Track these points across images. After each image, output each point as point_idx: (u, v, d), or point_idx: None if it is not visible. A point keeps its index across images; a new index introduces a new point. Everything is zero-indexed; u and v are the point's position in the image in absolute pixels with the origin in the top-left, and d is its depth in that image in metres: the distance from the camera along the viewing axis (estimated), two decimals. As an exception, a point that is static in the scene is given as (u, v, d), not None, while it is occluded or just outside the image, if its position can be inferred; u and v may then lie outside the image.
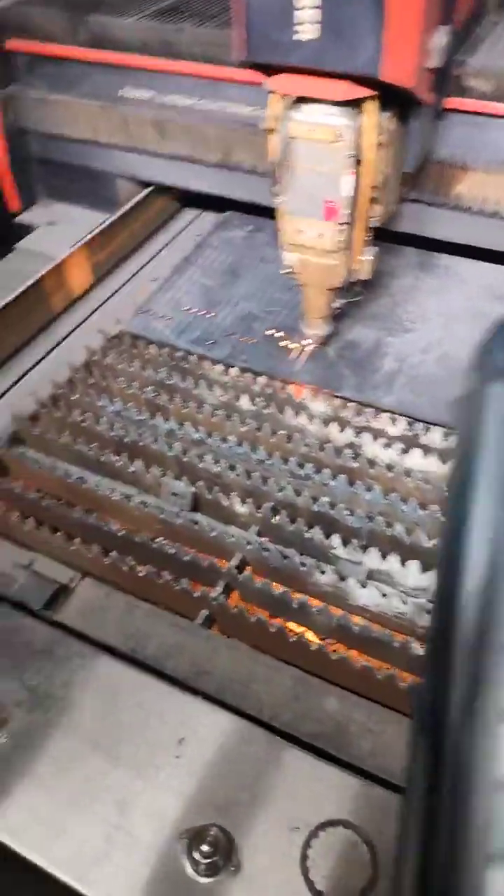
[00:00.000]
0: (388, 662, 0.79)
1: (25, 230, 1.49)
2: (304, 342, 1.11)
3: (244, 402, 1.06)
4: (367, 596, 0.83)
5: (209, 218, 1.50)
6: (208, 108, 1.30)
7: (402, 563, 0.85)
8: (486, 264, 1.26)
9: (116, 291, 1.32)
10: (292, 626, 0.84)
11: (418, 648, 0.78)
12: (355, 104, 0.84)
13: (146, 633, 0.81)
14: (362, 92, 0.82)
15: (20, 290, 1.18)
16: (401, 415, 1.01)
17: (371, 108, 0.84)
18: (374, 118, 0.85)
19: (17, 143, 1.48)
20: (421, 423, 1.00)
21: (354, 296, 1.08)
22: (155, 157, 1.39)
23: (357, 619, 0.81)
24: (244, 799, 0.66)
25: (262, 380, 1.08)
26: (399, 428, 1.01)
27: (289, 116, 0.86)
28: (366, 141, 0.87)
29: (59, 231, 1.47)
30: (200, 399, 1.08)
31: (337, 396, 1.05)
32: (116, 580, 0.88)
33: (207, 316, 1.20)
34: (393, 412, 1.02)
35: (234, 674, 0.77)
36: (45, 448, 1.03)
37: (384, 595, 0.83)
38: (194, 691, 0.74)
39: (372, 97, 0.83)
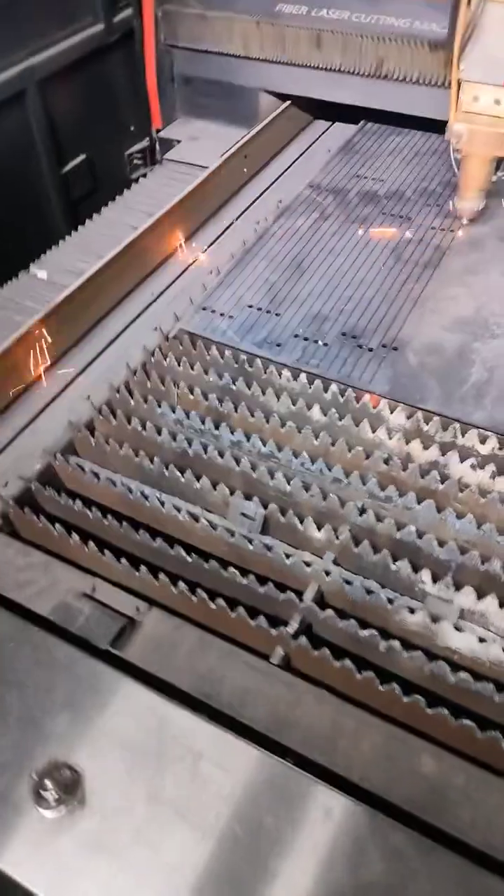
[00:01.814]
0: (488, 718, 0.72)
1: (168, 145, 1.60)
2: (457, 221, 1.22)
3: (316, 413, 0.98)
4: (461, 640, 0.76)
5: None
6: (362, 21, 1.37)
7: (501, 604, 0.77)
8: None
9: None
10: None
11: (522, 705, 0.70)
12: None
13: (220, 674, 0.74)
14: None
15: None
16: (492, 432, 0.92)
17: None
18: None
19: (164, 61, 1.56)
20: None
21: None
22: (307, 69, 1.45)
23: (452, 668, 0.74)
24: None
25: (334, 388, 1.00)
26: (489, 447, 0.92)
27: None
28: None
29: (200, 145, 1.56)
30: (268, 408, 1.00)
31: (419, 409, 0.96)
32: (186, 612, 0.81)
33: (273, 315, 1.11)
34: (483, 429, 0.93)
35: (319, 727, 0.70)
36: (103, 460, 0.96)
37: (481, 640, 0.75)
38: (279, 748, 0.67)
39: None
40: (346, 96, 1.48)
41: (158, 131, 1.64)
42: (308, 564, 0.83)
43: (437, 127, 1.28)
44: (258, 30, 1.46)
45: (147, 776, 0.64)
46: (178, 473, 0.92)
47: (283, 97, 1.56)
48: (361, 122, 1.56)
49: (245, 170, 1.45)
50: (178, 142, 1.57)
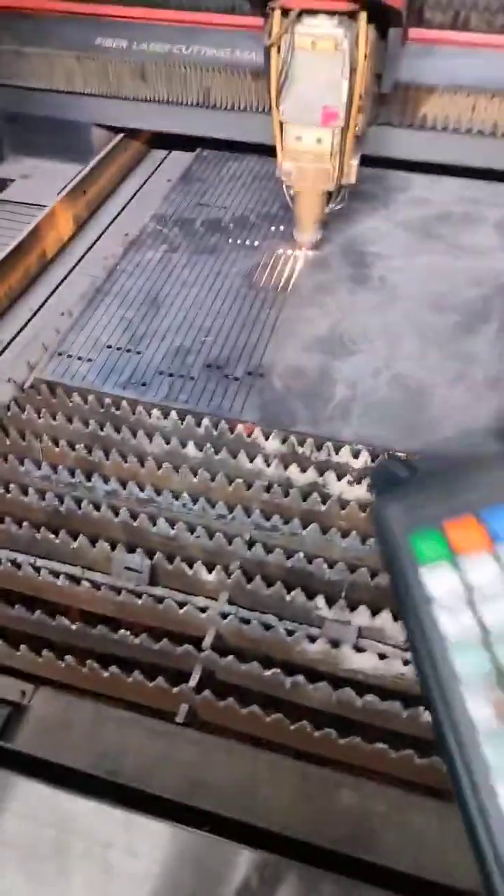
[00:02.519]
0: (403, 733, 0.72)
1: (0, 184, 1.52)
2: (299, 251, 1.26)
3: (191, 450, 0.95)
4: (363, 660, 0.76)
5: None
6: (184, 52, 1.39)
7: (395, 617, 0.78)
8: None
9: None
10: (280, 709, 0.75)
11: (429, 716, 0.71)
12: (351, 16, 0.98)
13: (122, 747, 0.69)
14: (356, 4, 0.96)
15: None
16: (363, 445, 0.94)
17: (363, 20, 0.98)
18: (365, 29, 0.98)
19: None
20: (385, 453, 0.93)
21: (339, 202, 1.20)
22: (135, 102, 1.46)
23: (360, 690, 0.73)
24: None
25: (206, 422, 0.98)
26: (362, 460, 0.93)
27: (294, 31, 0.98)
28: (360, 50, 1.00)
29: (35, 182, 1.50)
30: (141, 451, 0.96)
31: (292, 432, 0.96)
32: (80, 684, 0.75)
33: (135, 353, 1.08)
34: (354, 443, 0.95)
35: (233, 782, 0.67)
36: (-35, 531, 0.88)
37: (382, 657, 0.76)
38: (195, 815, 0.63)
39: (364, 9, 0.97)
40: (177, 126, 1.49)
41: None
42: (203, 610, 0.80)
43: (269, 151, 1.30)
44: (80, 65, 1.45)
45: (52, 882, 0.58)
46: (52, 535, 0.86)
47: (115, 129, 1.54)
48: (198, 150, 1.57)
49: (84, 207, 1.41)
50: (12, 181, 1.50)
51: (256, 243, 1.29)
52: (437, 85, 1.32)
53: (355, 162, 1.15)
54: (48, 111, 1.50)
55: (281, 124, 1.08)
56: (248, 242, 1.29)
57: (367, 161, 1.25)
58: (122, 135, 1.54)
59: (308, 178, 1.13)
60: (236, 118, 1.44)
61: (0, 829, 0.60)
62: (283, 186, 1.17)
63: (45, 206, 1.33)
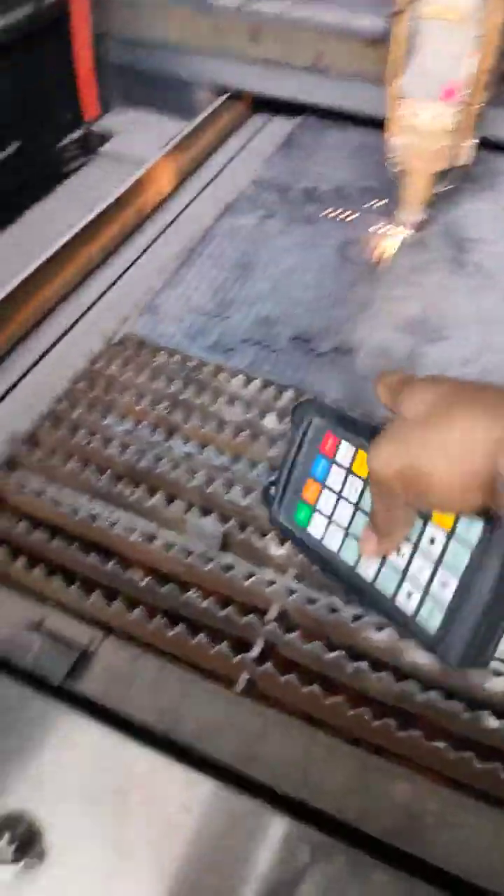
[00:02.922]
0: (459, 736, 0.71)
1: (103, 137, 1.52)
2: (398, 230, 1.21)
3: (270, 421, 0.94)
4: (427, 656, 0.74)
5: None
6: (299, 14, 1.37)
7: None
8: None
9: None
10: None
11: (492, 721, 0.69)
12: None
13: (182, 706, 0.70)
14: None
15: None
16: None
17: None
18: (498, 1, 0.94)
19: (99, 49, 1.50)
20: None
21: (449, 184, 1.16)
22: (244, 62, 1.43)
23: (422, 685, 0.72)
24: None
25: (288, 394, 0.97)
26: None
27: (422, -1, 0.92)
28: (491, 22, 0.95)
29: (137, 137, 1.50)
30: (220, 417, 0.96)
31: (373, 414, 0.94)
32: (143, 638, 0.77)
33: (222, 318, 1.07)
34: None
35: (288, 758, 0.67)
36: (47, 475, 0.90)
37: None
38: (249, 784, 0.64)
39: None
40: (285, 91, 1.46)
41: (91, 123, 1.56)
42: (270, 583, 0.80)
43: (376, 124, 1.25)
44: (194, 21, 1.43)
45: (110, 824, 0.60)
46: (130, 489, 0.87)
47: (221, 90, 1.52)
48: (301, 117, 1.53)
49: (185, 165, 1.40)
50: (113, 135, 1.50)
51: (354, 217, 1.25)
52: None
53: (472, 143, 1.10)
54: (158, 66, 1.49)
55: (396, 97, 1.04)
56: (345, 215, 1.26)
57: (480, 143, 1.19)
58: (227, 95, 1.52)
59: (419, 157, 1.09)
60: (346, 87, 1.40)
61: (64, 766, 0.62)
62: (390, 163, 1.13)
63: (145, 161, 1.32)
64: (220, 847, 0.59)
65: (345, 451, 0.47)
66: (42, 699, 0.66)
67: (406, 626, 0.41)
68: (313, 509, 0.48)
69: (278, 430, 0.94)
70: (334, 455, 0.48)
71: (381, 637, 0.76)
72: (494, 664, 0.74)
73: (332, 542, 0.46)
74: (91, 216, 1.17)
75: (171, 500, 0.86)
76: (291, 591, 0.80)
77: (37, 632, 0.73)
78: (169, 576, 0.83)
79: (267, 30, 1.39)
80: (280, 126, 1.55)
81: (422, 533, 0.41)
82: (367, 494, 0.44)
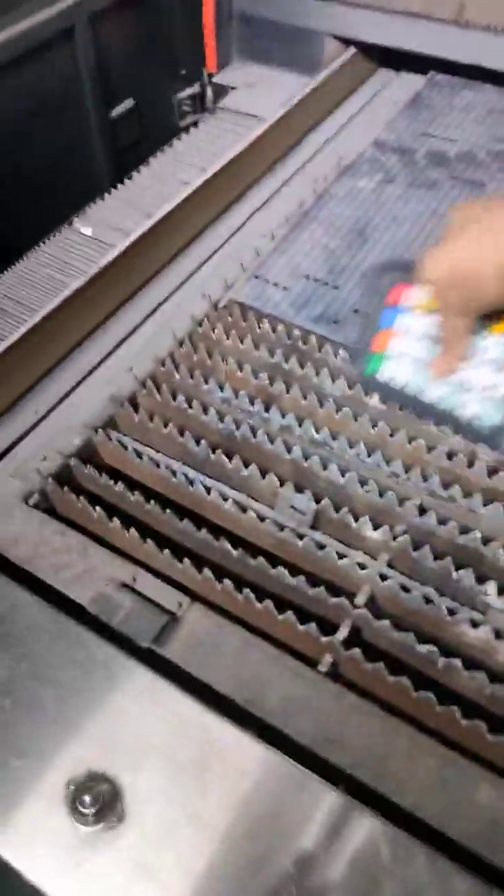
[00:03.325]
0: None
1: (222, 90, 1.50)
2: None
3: (374, 399, 0.91)
4: (526, 658, 0.70)
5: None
6: None
7: None
8: None
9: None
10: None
11: None
12: None
13: (265, 680, 0.70)
14: None
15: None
16: None
17: None
18: None
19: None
20: None
21: None
22: (379, 12, 1.36)
23: (515, 690, 0.68)
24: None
25: (395, 372, 0.92)
26: None
27: None
28: None
29: (258, 92, 1.46)
30: (321, 391, 0.93)
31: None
32: (229, 608, 0.77)
33: (332, 288, 1.03)
34: None
35: (369, 746, 0.66)
36: (145, 437, 0.91)
37: (549, 663, 0.70)
38: (329, 769, 0.63)
39: None
40: (420, 44, 1.36)
41: (211, 76, 1.53)
42: (362, 567, 0.78)
43: None
44: None
45: (189, 793, 0.61)
46: (225, 458, 0.86)
47: (349, 42, 1.44)
48: (430, 73, 1.44)
49: (303, 124, 1.34)
50: (234, 88, 1.46)
51: (482, 183, 1.17)
52: None
53: None
54: (284, 17, 1.43)
55: None
56: (472, 181, 1.17)
57: None
58: (353, 49, 1.44)
59: None
60: (485, 41, 1.29)
61: (146, 730, 0.64)
62: None
63: (263, 118, 1.28)
64: (297, 833, 0.59)
65: (409, 294, 0.53)
66: (129, 661, 0.67)
67: (471, 430, 0.51)
68: (383, 357, 0.58)
69: (380, 409, 0.90)
70: (398, 302, 0.57)
71: (476, 634, 0.72)
72: None
73: (405, 374, 0.55)
74: (202, 178, 1.15)
75: (265, 472, 0.84)
76: (384, 577, 0.77)
77: (128, 592, 0.74)
78: (259, 549, 0.82)
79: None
80: (408, 83, 1.46)
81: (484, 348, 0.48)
82: (430, 324, 0.52)
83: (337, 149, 1.31)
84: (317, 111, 1.38)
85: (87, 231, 1.14)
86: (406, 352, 0.56)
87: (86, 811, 0.58)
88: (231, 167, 1.19)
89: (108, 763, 0.63)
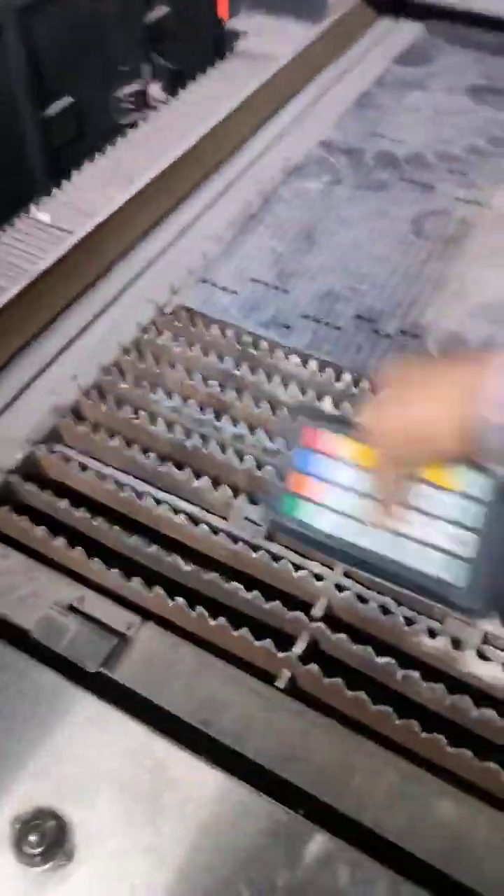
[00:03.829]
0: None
1: (235, 35, 1.58)
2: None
3: (327, 405, 0.89)
4: (484, 668, 0.70)
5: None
6: None
7: (529, 629, 0.71)
8: None
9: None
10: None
11: (552, 745, 0.64)
12: None
13: (221, 699, 0.67)
14: None
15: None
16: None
17: None
18: None
19: None
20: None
21: None
22: None
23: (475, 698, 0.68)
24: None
25: (347, 377, 0.91)
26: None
27: None
28: None
29: (269, 37, 1.56)
30: (274, 397, 0.91)
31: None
32: (183, 625, 0.74)
33: (281, 291, 1.01)
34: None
35: (329, 763, 0.64)
36: (91, 450, 0.87)
37: (507, 669, 0.69)
38: (287, 789, 0.61)
39: None
40: None
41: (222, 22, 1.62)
42: (319, 578, 0.76)
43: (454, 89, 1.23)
44: None
45: (142, 826, 0.58)
46: (176, 469, 0.83)
47: None
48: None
49: (249, 121, 1.32)
50: (245, 32, 1.55)
51: (431, 186, 1.16)
52: None
53: None
54: None
55: None
56: (422, 184, 1.17)
57: None
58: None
59: None
60: None
61: (96, 761, 0.61)
62: None
63: (279, 58, 1.35)
64: (257, 864, 0.57)
65: (327, 439, 0.53)
66: (76, 689, 0.64)
67: (428, 587, 0.49)
68: (300, 499, 0.55)
69: (337, 417, 0.88)
70: (315, 446, 0.56)
71: (434, 644, 0.71)
72: None
73: (327, 524, 0.53)
74: (146, 177, 1.12)
75: (217, 483, 0.82)
76: (341, 588, 0.76)
77: (74, 615, 0.71)
78: (212, 563, 0.80)
79: None
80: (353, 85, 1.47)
81: (428, 498, 0.48)
82: (354, 474, 0.52)
83: (283, 149, 1.30)
84: (265, 109, 1.36)
85: (44, 218, 1.09)
86: (326, 499, 0.55)
87: (32, 851, 0.55)
88: (177, 166, 1.16)
89: (56, 798, 0.59)
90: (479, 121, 1.28)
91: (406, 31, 1.58)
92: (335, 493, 0.56)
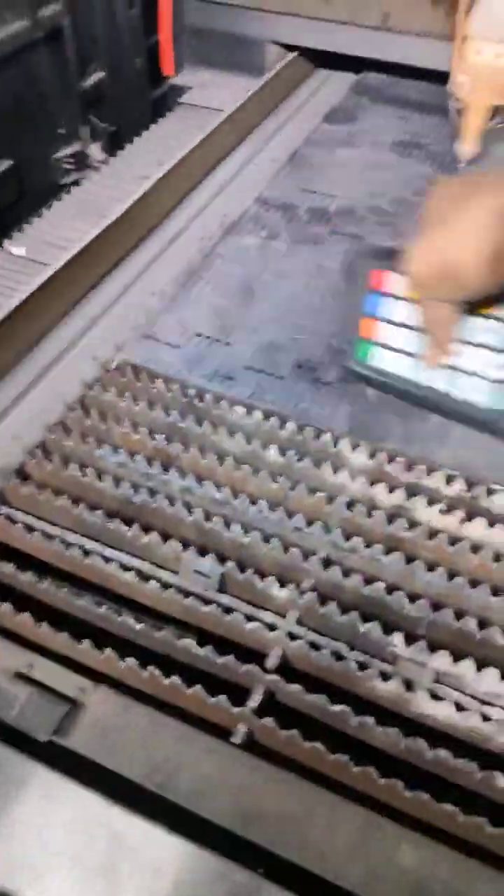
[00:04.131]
0: (472, 791, 0.67)
1: (180, 91, 1.68)
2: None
3: (272, 454, 0.91)
4: (437, 708, 0.71)
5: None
6: None
7: (479, 667, 0.72)
8: None
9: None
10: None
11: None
12: None
13: (176, 761, 0.66)
14: None
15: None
16: (459, 472, 0.88)
17: None
18: None
19: (176, 11, 1.63)
20: (481, 484, 0.87)
21: (500, 121, 1.30)
22: (315, 21, 1.56)
23: (431, 738, 0.68)
24: None
25: (291, 425, 0.93)
26: (456, 488, 0.87)
27: None
28: None
29: (212, 92, 1.64)
30: (220, 448, 0.92)
31: (382, 448, 0.90)
32: (137, 686, 0.73)
33: (224, 344, 1.04)
34: (449, 468, 0.88)
35: (288, 818, 0.63)
36: (37, 510, 0.86)
37: (460, 708, 0.70)
38: (246, 848, 0.60)
39: None
40: (351, 48, 1.58)
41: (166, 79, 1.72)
42: (272, 628, 0.76)
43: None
44: None
45: (98, 902, 0.56)
46: (124, 526, 0.83)
47: (289, 48, 1.66)
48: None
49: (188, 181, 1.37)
50: (190, 88, 1.65)
51: (361, 237, 1.22)
52: None
53: None
54: (229, 27, 1.64)
55: (463, 38, 1.21)
56: (353, 235, 1.22)
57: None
58: (295, 53, 1.65)
59: (480, 91, 1.24)
60: (410, 42, 1.50)
61: (49, 835, 0.59)
62: (451, 101, 1.30)
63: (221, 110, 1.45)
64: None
65: (389, 280, 0.55)
66: (26, 760, 0.62)
67: (477, 419, 0.50)
68: (370, 344, 0.57)
69: (280, 464, 0.90)
70: (380, 288, 0.58)
71: (387, 687, 0.72)
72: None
73: (398, 365, 0.56)
74: (88, 236, 1.14)
75: (166, 537, 0.82)
76: (293, 637, 0.76)
77: (23, 682, 0.69)
78: (165, 618, 0.79)
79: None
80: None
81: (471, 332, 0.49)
82: (413, 313, 0.53)
83: (222, 206, 1.34)
84: (200, 169, 1.41)
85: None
86: (392, 340, 0.58)
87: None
88: (117, 225, 1.18)
89: (8, 878, 0.57)
90: (404, 174, 1.35)
91: (339, 85, 1.68)
92: (401, 334, 0.57)
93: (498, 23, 1.18)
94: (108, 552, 0.83)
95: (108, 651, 0.72)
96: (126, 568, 0.80)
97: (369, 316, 0.57)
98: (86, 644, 0.73)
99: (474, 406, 0.52)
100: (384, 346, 0.57)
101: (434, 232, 0.50)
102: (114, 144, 1.58)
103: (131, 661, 0.72)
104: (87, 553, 0.82)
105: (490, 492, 0.86)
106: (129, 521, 0.84)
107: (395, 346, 0.57)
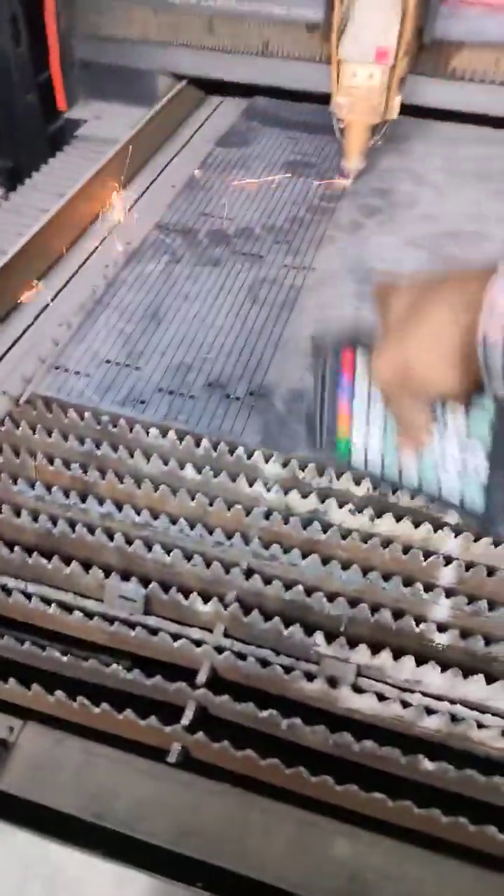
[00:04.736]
0: (401, 777, 0.70)
1: (75, 124, 1.72)
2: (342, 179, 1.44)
3: (189, 472, 0.93)
4: (361, 701, 0.73)
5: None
6: (247, 8, 1.55)
7: (396, 656, 0.75)
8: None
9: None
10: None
11: (427, 765, 0.68)
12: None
13: (112, 788, 0.67)
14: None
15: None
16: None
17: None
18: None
19: (65, 47, 1.67)
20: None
21: (381, 137, 1.41)
22: (201, 51, 1.63)
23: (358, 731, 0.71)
24: None
25: (205, 443, 0.95)
26: (364, 488, 0.91)
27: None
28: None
29: (107, 122, 1.69)
30: (138, 472, 0.94)
31: (293, 456, 0.93)
32: (69, 718, 0.73)
33: (133, 369, 1.05)
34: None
35: (225, 828, 0.65)
36: (-45, 553, 0.85)
37: (381, 698, 0.73)
38: (182, 865, 0.61)
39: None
40: (237, 75, 1.67)
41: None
42: (198, 644, 0.78)
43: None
44: (156, 17, 1.63)
45: (38, 939, 0.56)
46: (44, 559, 0.83)
47: (179, 77, 1.71)
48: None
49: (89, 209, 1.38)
50: (85, 121, 1.69)
51: (260, 256, 1.26)
52: (466, 41, 1.49)
53: (398, 99, 1.35)
54: (119, 59, 1.68)
55: (339, 62, 1.28)
56: (252, 255, 1.26)
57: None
58: (185, 81, 1.70)
59: (358, 111, 1.32)
60: (291, 67, 1.60)
61: (-17, 880, 0.58)
62: (334, 120, 1.38)
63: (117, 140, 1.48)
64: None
65: (359, 362, 0.53)
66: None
67: (460, 510, 0.49)
68: (349, 442, 0.54)
69: (197, 482, 0.92)
70: (351, 375, 0.55)
71: (312, 687, 0.74)
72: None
73: (377, 464, 0.54)
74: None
75: (88, 566, 0.83)
76: (220, 650, 0.78)
77: (-51, 728, 0.68)
78: (91, 647, 0.80)
79: (219, 22, 1.58)
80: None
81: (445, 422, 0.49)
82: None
83: (123, 234, 1.36)
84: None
85: None
86: (368, 437, 0.54)
87: None
88: (18, 258, 1.18)
89: None
90: (297, 193, 1.41)
91: (231, 110, 1.74)
92: (375, 427, 0.53)
93: (367, 46, 1.25)
94: (31, 588, 0.82)
95: (36, 687, 0.72)
96: (48, 601, 0.80)
97: (344, 404, 0.55)
98: (12, 682, 0.72)
99: (459, 500, 0.52)
100: (361, 444, 0.56)
101: (396, 337, 0.49)
102: (13, 180, 1.57)
103: (60, 694, 0.72)
104: (7, 591, 0.81)
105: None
106: (49, 554, 0.84)
107: (371, 444, 0.56)
